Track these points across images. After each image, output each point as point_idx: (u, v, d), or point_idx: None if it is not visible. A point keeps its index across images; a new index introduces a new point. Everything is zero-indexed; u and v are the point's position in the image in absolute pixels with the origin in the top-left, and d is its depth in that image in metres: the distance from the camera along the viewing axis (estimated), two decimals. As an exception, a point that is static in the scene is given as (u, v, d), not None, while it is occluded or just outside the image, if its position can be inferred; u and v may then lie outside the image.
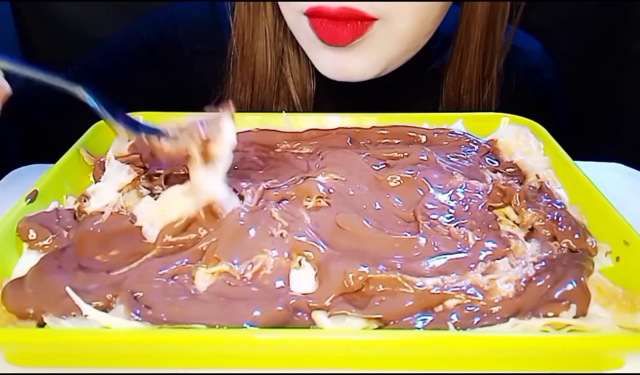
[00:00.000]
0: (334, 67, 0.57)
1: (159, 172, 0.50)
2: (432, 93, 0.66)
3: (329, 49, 0.56)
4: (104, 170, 0.49)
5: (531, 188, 0.47)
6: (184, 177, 0.50)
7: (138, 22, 0.70)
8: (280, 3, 0.59)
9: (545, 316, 0.35)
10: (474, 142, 0.55)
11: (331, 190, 0.45)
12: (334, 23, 0.53)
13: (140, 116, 0.57)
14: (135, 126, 0.46)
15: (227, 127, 0.44)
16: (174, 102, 0.60)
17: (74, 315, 0.35)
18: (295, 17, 0.57)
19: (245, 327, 0.34)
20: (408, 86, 0.64)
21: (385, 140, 0.55)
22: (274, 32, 0.62)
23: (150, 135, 0.45)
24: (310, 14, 0.54)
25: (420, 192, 0.46)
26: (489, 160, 0.52)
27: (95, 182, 0.49)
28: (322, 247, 0.40)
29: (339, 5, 0.52)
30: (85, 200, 0.46)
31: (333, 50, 0.56)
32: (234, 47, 0.64)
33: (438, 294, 0.36)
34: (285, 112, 0.59)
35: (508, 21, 0.62)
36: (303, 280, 0.38)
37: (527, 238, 0.43)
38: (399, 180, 0.48)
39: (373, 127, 0.56)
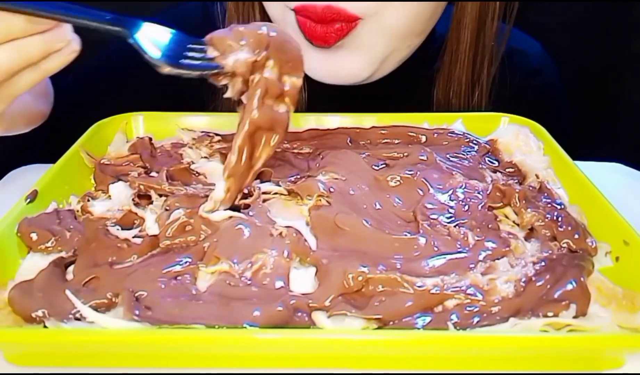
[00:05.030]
0: (323, 70, 0.57)
1: (158, 171, 0.50)
2: (427, 97, 0.65)
3: (316, 51, 0.55)
4: (103, 171, 0.49)
5: (531, 188, 0.47)
6: (185, 175, 0.50)
7: None
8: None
9: (545, 316, 0.35)
10: (474, 142, 0.55)
11: (332, 190, 0.45)
12: (318, 24, 0.53)
13: (140, 116, 0.57)
14: (186, 66, 0.41)
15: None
16: (170, 107, 0.60)
17: (78, 319, 0.35)
18: (281, 12, 0.56)
19: (245, 327, 0.34)
20: (404, 90, 0.63)
21: (385, 140, 0.55)
22: None
23: (203, 72, 0.41)
24: (297, 11, 0.54)
25: (420, 192, 0.46)
26: (488, 160, 0.52)
27: (96, 184, 0.49)
28: (322, 247, 0.40)
29: (325, 4, 0.52)
30: (89, 200, 0.46)
31: (320, 51, 0.55)
32: None
33: (438, 294, 0.36)
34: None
35: (503, 20, 0.62)
36: (303, 280, 0.38)
37: (527, 238, 0.43)
38: (398, 180, 0.47)
39: (373, 127, 0.57)
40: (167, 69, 0.40)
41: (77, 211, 0.45)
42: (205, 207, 0.42)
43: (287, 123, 0.43)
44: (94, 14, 0.40)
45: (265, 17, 0.61)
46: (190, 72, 0.40)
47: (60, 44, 0.42)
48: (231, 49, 0.40)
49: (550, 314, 0.35)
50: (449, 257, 0.39)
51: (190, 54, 0.41)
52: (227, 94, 0.42)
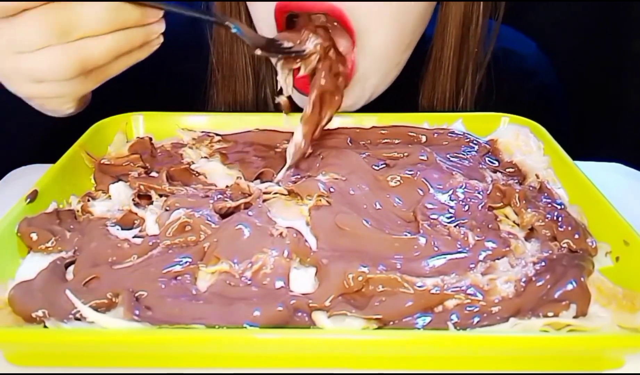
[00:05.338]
0: None
1: (158, 171, 0.50)
2: (415, 105, 0.64)
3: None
4: (103, 171, 0.49)
5: (531, 188, 0.47)
6: (185, 175, 0.50)
7: None
8: (256, 25, 0.57)
9: (545, 316, 0.35)
10: (474, 142, 0.55)
11: (332, 190, 0.45)
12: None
13: (140, 116, 0.57)
14: (278, 51, 0.52)
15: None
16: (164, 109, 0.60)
17: (78, 319, 0.35)
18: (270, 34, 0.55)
19: (245, 327, 0.34)
20: (393, 100, 0.61)
21: (385, 140, 0.55)
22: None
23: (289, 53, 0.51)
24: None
25: (420, 192, 0.46)
26: (488, 160, 0.52)
27: (96, 184, 0.49)
28: (322, 247, 0.40)
29: (314, 3, 0.51)
30: (89, 200, 0.46)
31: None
32: (214, 67, 0.63)
33: (438, 294, 0.36)
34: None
35: (490, 18, 0.61)
36: (303, 280, 0.38)
37: (527, 238, 0.43)
38: (399, 180, 0.47)
39: (373, 127, 0.57)
40: (259, 52, 0.49)
41: (77, 211, 0.45)
42: (289, 150, 0.50)
43: (343, 91, 0.53)
44: (202, 10, 0.49)
45: None
46: (276, 54, 0.52)
47: (154, 36, 0.45)
48: (308, 36, 0.52)
49: (550, 314, 0.35)
50: (449, 257, 0.39)
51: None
52: (301, 73, 0.52)
